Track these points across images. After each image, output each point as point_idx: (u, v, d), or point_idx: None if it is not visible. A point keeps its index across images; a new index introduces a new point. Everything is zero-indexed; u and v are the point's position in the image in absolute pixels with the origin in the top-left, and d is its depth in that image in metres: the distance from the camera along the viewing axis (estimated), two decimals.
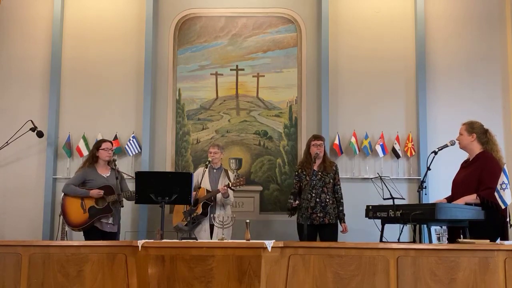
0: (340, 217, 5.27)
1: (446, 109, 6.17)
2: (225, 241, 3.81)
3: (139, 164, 6.16)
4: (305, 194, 5.06)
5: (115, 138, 6.11)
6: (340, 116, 6.24)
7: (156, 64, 6.37)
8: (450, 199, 4.29)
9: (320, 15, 6.27)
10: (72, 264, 3.86)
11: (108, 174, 5.23)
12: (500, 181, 3.80)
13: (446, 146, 4.40)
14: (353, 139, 6.07)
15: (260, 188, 6.23)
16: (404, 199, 5.28)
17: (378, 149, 6.05)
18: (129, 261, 3.85)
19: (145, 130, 6.14)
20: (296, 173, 5.40)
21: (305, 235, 4.57)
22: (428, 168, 4.40)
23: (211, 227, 5.25)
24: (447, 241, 3.89)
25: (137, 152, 6.14)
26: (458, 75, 6.25)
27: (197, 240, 4.19)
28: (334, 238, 5.19)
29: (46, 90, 6.30)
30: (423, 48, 6.19)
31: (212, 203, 5.32)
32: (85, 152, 5.99)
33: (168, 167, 6.25)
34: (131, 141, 6.12)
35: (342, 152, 6.10)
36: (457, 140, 4.38)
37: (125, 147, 6.12)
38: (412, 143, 6.07)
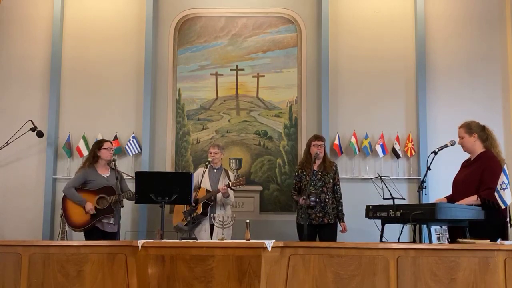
0: (340, 217, 5.28)
1: (446, 109, 6.17)
2: (225, 241, 3.81)
3: (139, 164, 6.17)
4: (305, 194, 5.05)
5: (115, 138, 6.12)
6: (340, 116, 6.24)
7: (156, 64, 6.37)
8: (450, 198, 4.29)
9: (320, 15, 6.27)
10: (72, 264, 3.86)
11: (108, 174, 5.23)
12: (500, 181, 3.80)
13: (446, 146, 4.40)
14: (353, 139, 6.07)
15: (260, 188, 6.23)
16: (404, 199, 5.28)
17: (378, 149, 6.05)
18: (129, 261, 3.85)
19: (145, 130, 6.14)
20: (296, 173, 5.40)
21: (305, 235, 4.57)
22: (428, 168, 4.40)
23: (211, 227, 5.25)
24: (447, 241, 3.89)
25: (137, 152, 6.14)
26: (458, 75, 6.26)
27: (197, 240, 4.19)
28: (334, 238, 5.19)
29: (46, 90, 6.30)
30: (423, 48, 6.19)
31: (212, 203, 5.33)
32: (85, 152, 5.99)
33: (168, 167, 6.25)
34: (131, 141, 6.12)
35: (342, 152, 6.10)
36: (459, 144, 4.37)
37: (125, 147, 6.13)
38: (412, 143, 6.07)
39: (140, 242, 3.71)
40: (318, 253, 3.71)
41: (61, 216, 5.21)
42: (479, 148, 4.28)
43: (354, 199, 5.70)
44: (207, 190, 5.34)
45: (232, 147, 6.29)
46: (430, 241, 3.95)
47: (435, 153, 4.38)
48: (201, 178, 5.21)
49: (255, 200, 6.20)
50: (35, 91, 6.34)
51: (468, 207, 3.98)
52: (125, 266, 3.84)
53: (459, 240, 3.94)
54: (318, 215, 5.16)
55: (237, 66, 6.38)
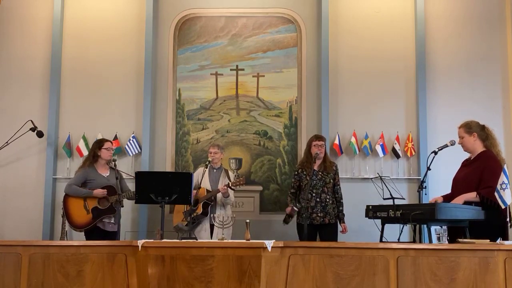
0: (340, 217, 5.28)
1: (446, 109, 6.17)
2: (225, 241, 3.81)
3: (139, 164, 6.16)
4: (305, 194, 5.06)
5: (115, 138, 6.11)
6: (340, 116, 6.24)
7: (156, 64, 6.37)
8: (449, 197, 4.28)
9: (320, 15, 6.27)
10: (72, 264, 3.86)
11: (108, 174, 5.23)
12: (500, 181, 3.80)
13: (446, 146, 4.40)
14: (353, 139, 6.07)
15: (260, 188, 6.23)
16: (404, 199, 5.28)
17: (378, 149, 6.05)
18: (129, 261, 3.85)
19: (145, 130, 6.14)
20: (296, 173, 5.40)
21: (305, 235, 4.57)
22: (428, 168, 4.40)
23: (211, 227, 5.25)
24: (447, 241, 3.89)
25: (137, 152, 6.14)
26: (458, 75, 6.26)
27: (197, 240, 4.19)
28: (334, 238, 5.19)
29: (46, 90, 6.30)
30: (423, 48, 6.19)
31: (212, 203, 5.32)
32: (85, 152, 5.99)
33: (168, 167, 6.25)
34: (131, 141, 6.12)
35: (342, 152, 6.10)
36: (459, 144, 4.37)
37: (125, 147, 6.13)
38: (412, 143, 6.07)
39: (140, 242, 3.71)
40: (318, 253, 3.71)
41: (62, 217, 5.21)
42: (479, 147, 4.28)
43: (354, 199, 5.70)
44: (207, 190, 5.34)
45: (232, 147, 6.29)
46: (430, 241, 3.95)
47: (435, 153, 4.38)
48: (201, 178, 5.20)
49: (255, 200, 6.20)
50: (35, 91, 6.34)
51: (468, 207, 3.98)
52: (125, 266, 3.84)
53: (459, 240, 3.94)
54: (319, 215, 5.16)
55: (237, 66, 6.39)
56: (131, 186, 5.33)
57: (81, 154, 6.08)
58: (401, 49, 6.31)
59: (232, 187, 5.28)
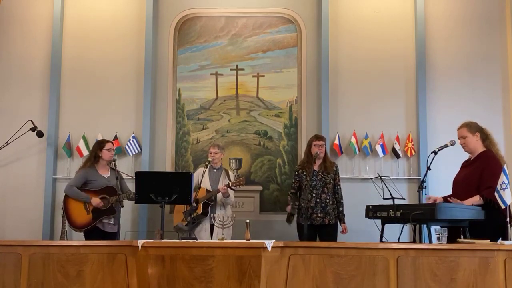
0: (340, 217, 5.28)
1: (446, 109, 6.17)
2: (225, 241, 3.81)
3: (139, 164, 6.16)
4: (305, 194, 5.06)
5: (115, 138, 6.11)
6: (340, 116, 6.24)
7: (156, 64, 6.37)
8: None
9: (320, 15, 6.27)
10: (72, 264, 3.86)
11: (108, 175, 5.23)
12: (500, 181, 3.81)
13: (446, 146, 4.40)
14: (353, 139, 6.07)
15: (260, 188, 6.23)
16: (404, 199, 5.28)
17: (378, 149, 6.05)
18: (129, 261, 3.85)
19: (145, 130, 6.14)
20: (296, 173, 5.40)
21: (305, 235, 4.57)
22: (428, 168, 4.40)
23: (211, 227, 5.25)
24: (447, 241, 3.89)
25: (137, 152, 6.14)
26: (458, 75, 6.25)
27: (197, 240, 4.19)
28: (334, 238, 5.19)
29: (46, 90, 6.30)
30: (423, 48, 6.19)
31: (212, 203, 5.33)
32: (85, 152, 5.99)
33: (168, 167, 6.25)
34: (131, 141, 6.12)
35: (342, 152, 6.10)
36: (461, 144, 4.37)
37: (125, 147, 6.13)
38: (412, 143, 6.07)
39: (140, 242, 3.71)
40: (318, 253, 3.72)
41: (62, 217, 5.21)
42: (480, 147, 4.29)
43: (354, 199, 5.69)
44: (207, 190, 5.34)
45: (232, 147, 6.28)
46: (430, 241, 3.95)
47: (435, 153, 4.38)
48: (201, 178, 5.21)
49: (255, 200, 6.20)
50: (35, 91, 6.34)
51: (468, 207, 3.98)
52: (125, 266, 3.85)
53: (459, 240, 3.94)
54: (319, 215, 5.16)
55: (237, 66, 6.38)
56: (131, 186, 5.33)
57: (81, 154, 6.08)
58: (401, 49, 6.31)
59: (232, 187, 5.28)
